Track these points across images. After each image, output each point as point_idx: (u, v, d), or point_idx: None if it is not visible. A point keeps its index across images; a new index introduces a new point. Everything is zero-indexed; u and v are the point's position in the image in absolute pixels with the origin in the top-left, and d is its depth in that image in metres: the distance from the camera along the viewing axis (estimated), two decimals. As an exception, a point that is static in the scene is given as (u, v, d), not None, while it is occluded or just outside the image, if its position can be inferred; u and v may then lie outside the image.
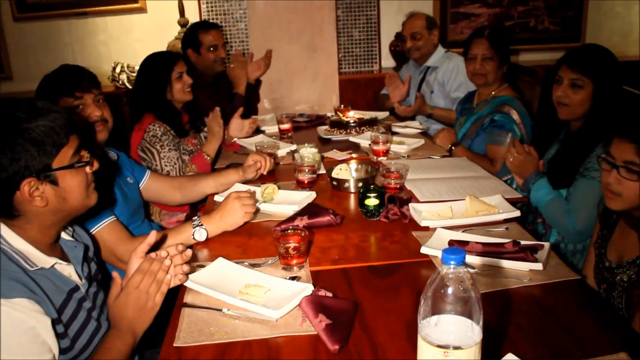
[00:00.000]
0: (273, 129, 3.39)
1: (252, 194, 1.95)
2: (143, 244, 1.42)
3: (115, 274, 1.44)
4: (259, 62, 3.79)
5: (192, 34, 3.51)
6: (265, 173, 2.35)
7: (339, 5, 4.59)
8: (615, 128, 1.63)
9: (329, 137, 3.15)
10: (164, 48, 4.23)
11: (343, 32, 4.68)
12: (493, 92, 2.89)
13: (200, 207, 2.67)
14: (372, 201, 1.92)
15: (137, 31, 4.55)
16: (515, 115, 2.71)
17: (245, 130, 3.10)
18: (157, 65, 2.82)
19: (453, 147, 2.79)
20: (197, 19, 4.42)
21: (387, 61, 4.76)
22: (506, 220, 1.89)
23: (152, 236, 1.43)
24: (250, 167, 2.30)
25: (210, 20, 4.41)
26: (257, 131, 3.36)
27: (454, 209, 1.94)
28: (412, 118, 3.71)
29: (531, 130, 2.75)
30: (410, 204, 1.95)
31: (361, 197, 1.95)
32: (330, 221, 1.88)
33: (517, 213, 1.89)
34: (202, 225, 1.82)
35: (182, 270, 1.45)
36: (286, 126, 3.27)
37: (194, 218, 1.85)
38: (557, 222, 2.10)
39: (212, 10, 4.52)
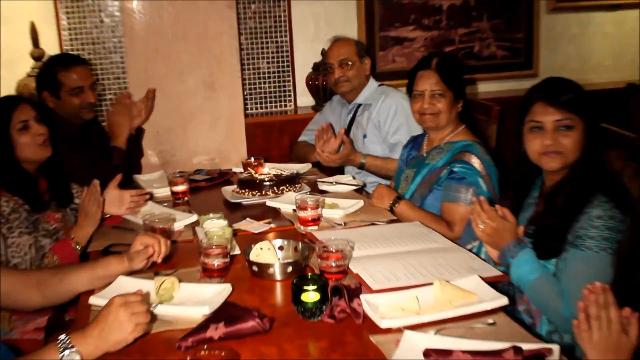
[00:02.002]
0: (163, 191, 3.25)
1: (145, 297, 1.74)
2: None
3: None
4: (138, 105, 3.65)
5: (49, 72, 3.31)
6: (159, 261, 2.13)
7: (242, 31, 4.57)
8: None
9: (239, 200, 3.04)
10: (11, 89, 4.01)
11: (248, 65, 4.67)
12: (447, 137, 2.87)
13: (70, 309, 2.47)
14: (310, 296, 1.78)
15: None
16: (478, 165, 2.68)
17: (126, 206, 2.84)
18: None
19: (395, 206, 2.73)
20: (57, 51, 4.25)
21: (304, 98, 4.77)
22: (490, 312, 1.79)
23: None
24: (138, 254, 2.09)
25: (75, 52, 4.26)
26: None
27: (421, 299, 1.82)
28: (341, 170, 3.64)
29: (497, 183, 2.72)
30: (362, 296, 1.82)
31: (295, 290, 1.80)
32: (255, 327, 1.73)
33: (504, 301, 1.80)
34: (73, 347, 1.58)
35: None
36: (181, 188, 3.15)
37: (60, 338, 1.60)
38: (547, 307, 2.02)
39: (76, 39, 4.35)
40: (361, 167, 3.49)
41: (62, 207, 2.83)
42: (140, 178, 3.48)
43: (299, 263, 2.13)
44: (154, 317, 1.80)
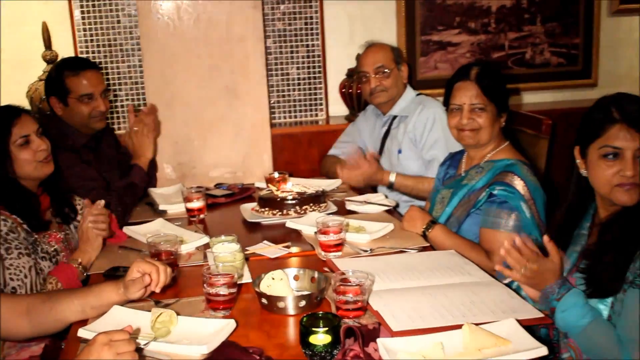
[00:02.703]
0: (178, 208, 3.22)
1: (135, 333, 1.70)
2: None
3: None
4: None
5: (57, 76, 3.28)
6: (158, 291, 2.08)
7: (269, 33, 4.52)
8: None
9: (258, 220, 3.01)
10: (23, 93, 4.05)
11: (275, 70, 4.62)
12: (488, 155, 2.79)
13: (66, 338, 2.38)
14: (320, 338, 1.70)
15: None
16: (521, 188, 2.59)
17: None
18: None
19: (428, 231, 2.69)
20: (71, 53, 4.27)
21: (336, 107, 4.71)
22: (526, 363, 1.70)
23: None
24: (134, 283, 2.04)
25: (90, 55, 4.28)
26: (156, 211, 3.22)
27: (447, 345, 1.73)
28: (374, 189, 3.59)
29: (543, 208, 2.63)
30: (379, 340, 1.74)
31: (304, 331, 1.73)
32: (255, 374, 1.64)
33: (543, 351, 1.69)
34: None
35: None
36: (196, 205, 3.12)
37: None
38: (602, 357, 1.91)
39: (91, 40, 4.35)
40: (390, 186, 3.45)
41: (66, 223, 2.81)
42: (155, 192, 3.48)
43: (313, 297, 2.06)
44: (145, 355, 1.77)
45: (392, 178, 3.40)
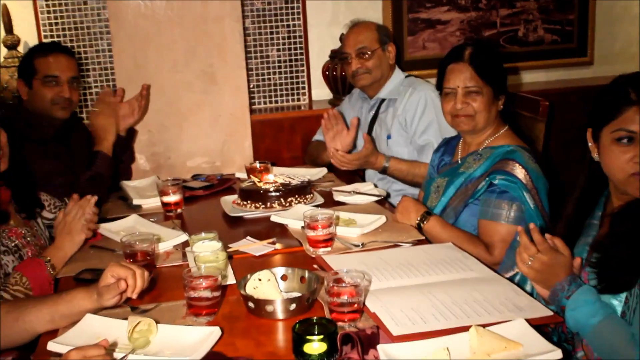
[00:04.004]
0: (153, 202, 3.19)
1: (112, 346, 1.62)
2: None
3: None
4: (131, 102, 3.58)
5: (27, 57, 3.33)
6: (134, 297, 2.01)
7: (247, 13, 4.48)
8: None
9: (240, 214, 2.98)
10: None
11: (255, 53, 4.59)
12: (487, 141, 2.78)
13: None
14: (315, 346, 1.65)
15: None
16: (523, 176, 2.56)
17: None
18: None
19: (423, 223, 2.67)
20: (34, 38, 4.21)
21: (320, 91, 4.70)
22: (538, 366, 1.67)
23: None
24: (108, 289, 1.98)
25: (56, 39, 4.22)
26: (130, 206, 3.18)
27: (453, 349, 1.69)
28: (362, 176, 3.61)
29: (546, 197, 2.61)
30: (379, 346, 1.70)
31: (296, 339, 1.69)
32: (244, 387, 1.58)
33: (557, 354, 1.65)
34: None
35: None
36: (173, 199, 3.09)
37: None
38: (616, 356, 1.87)
39: (55, 24, 4.27)
40: (383, 171, 3.42)
41: (31, 218, 2.76)
42: (128, 185, 3.44)
43: (304, 299, 2.01)
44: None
45: (386, 162, 3.37)
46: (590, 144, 2.06)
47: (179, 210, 3.06)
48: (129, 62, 3.72)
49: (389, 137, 3.55)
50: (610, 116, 1.96)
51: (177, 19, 3.70)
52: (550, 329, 2.13)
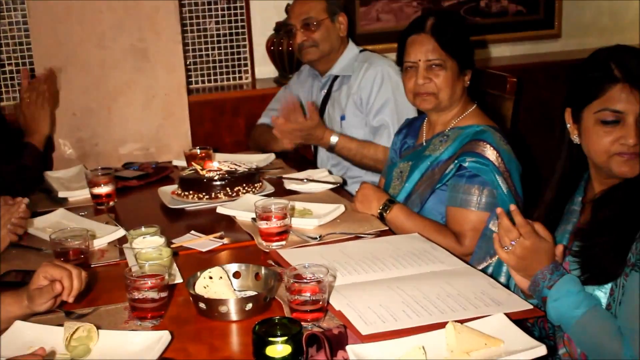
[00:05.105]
0: (81, 194, 3.18)
1: (50, 355, 1.65)
2: None
3: None
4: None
5: None
6: (71, 300, 2.00)
7: None
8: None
9: (181, 205, 2.99)
10: None
11: (191, 26, 4.58)
12: (454, 121, 2.82)
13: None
14: (278, 349, 1.66)
15: None
16: (494, 158, 2.61)
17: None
18: None
19: (386, 213, 2.70)
20: None
21: (264, 68, 4.73)
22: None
23: None
24: (41, 293, 1.96)
25: None
26: (55, 199, 3.13)
27: (429, 348, 1.72)
28: (313, 162, 3.67)
29: (519, 181, 2.67)
30: (348, 347, 1.72)
31: (257, 341, 1.69)
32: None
33: (542, 350, 1.69)
34: None
35: None
36: (104, 190, 3.09)
37: None
38: (600, 350, 1.92)
39: None
40: (330, 149, 3.47)
41: None
42: (52, 175, 3.42)
43: (261, 297, 2.03)
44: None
45: (334, 138, 3.40)
46: (569, 125, 2.09)
47: (111, 203, 3.05)
48: (48, 37, 3.70)
49: (342, 118, 3.59)
50: (592, 95, 1.99)
51: (102, -14, 3.69)
52: (529, 324, 2.17)
